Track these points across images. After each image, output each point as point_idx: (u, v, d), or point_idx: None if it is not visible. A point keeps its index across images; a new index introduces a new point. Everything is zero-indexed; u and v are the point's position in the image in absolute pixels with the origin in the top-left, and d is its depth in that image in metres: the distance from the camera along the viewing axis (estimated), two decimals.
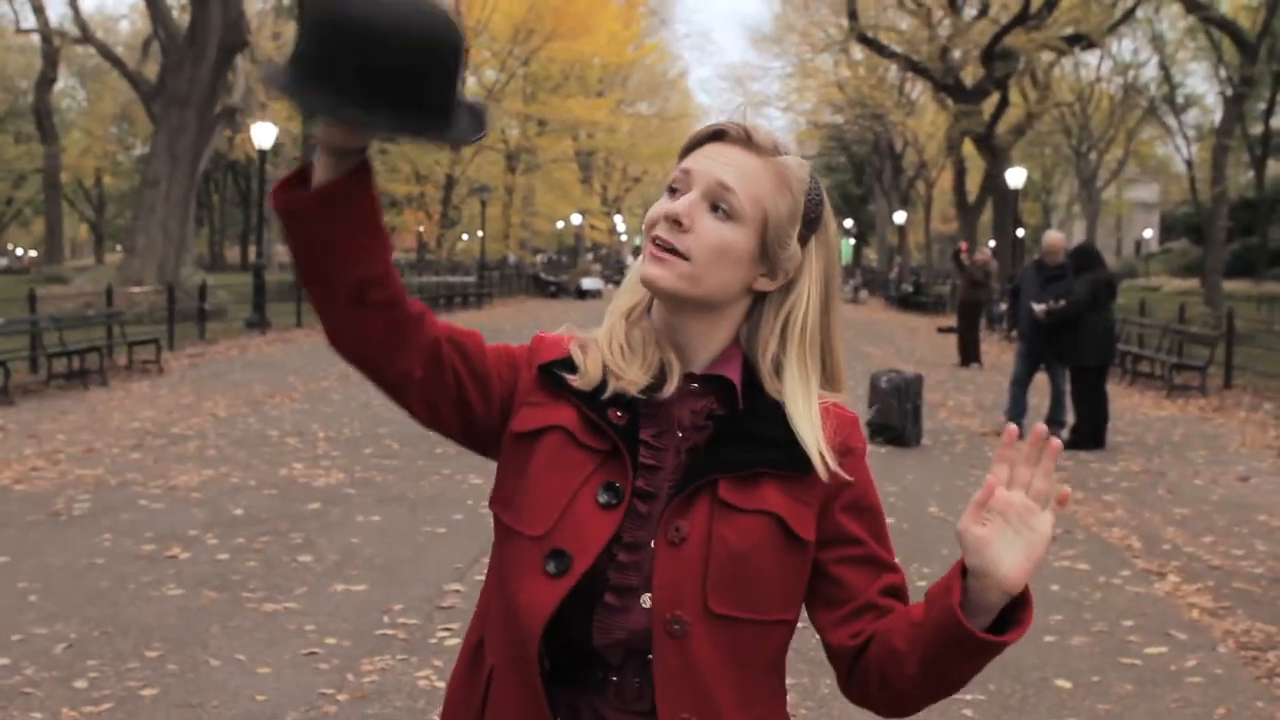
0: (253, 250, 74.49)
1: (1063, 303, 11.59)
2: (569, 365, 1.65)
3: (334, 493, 8.77)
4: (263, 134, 25.14)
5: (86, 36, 52.75)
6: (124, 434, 11.40)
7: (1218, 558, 7.49)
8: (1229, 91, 36.44)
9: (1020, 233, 58.18)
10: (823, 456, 1.60)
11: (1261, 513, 8.86)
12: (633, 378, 1.62)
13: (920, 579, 6.74)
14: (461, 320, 30.86)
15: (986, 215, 41.99)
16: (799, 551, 1.61)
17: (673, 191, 1.65)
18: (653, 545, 1.57)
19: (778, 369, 1.65)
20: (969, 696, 4.94)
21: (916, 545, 7.47)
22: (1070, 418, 12.05)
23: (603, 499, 1.58)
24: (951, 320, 25.66)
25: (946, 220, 69.61)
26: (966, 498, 6.54)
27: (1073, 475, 10.26)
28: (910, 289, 42.84)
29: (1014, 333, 12.76)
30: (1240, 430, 13.26)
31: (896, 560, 1.66)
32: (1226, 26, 27.83)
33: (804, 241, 1.66)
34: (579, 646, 1.57)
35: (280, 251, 55.86)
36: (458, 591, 6.23)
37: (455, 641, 5.41)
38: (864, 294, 52.39)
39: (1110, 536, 8.02)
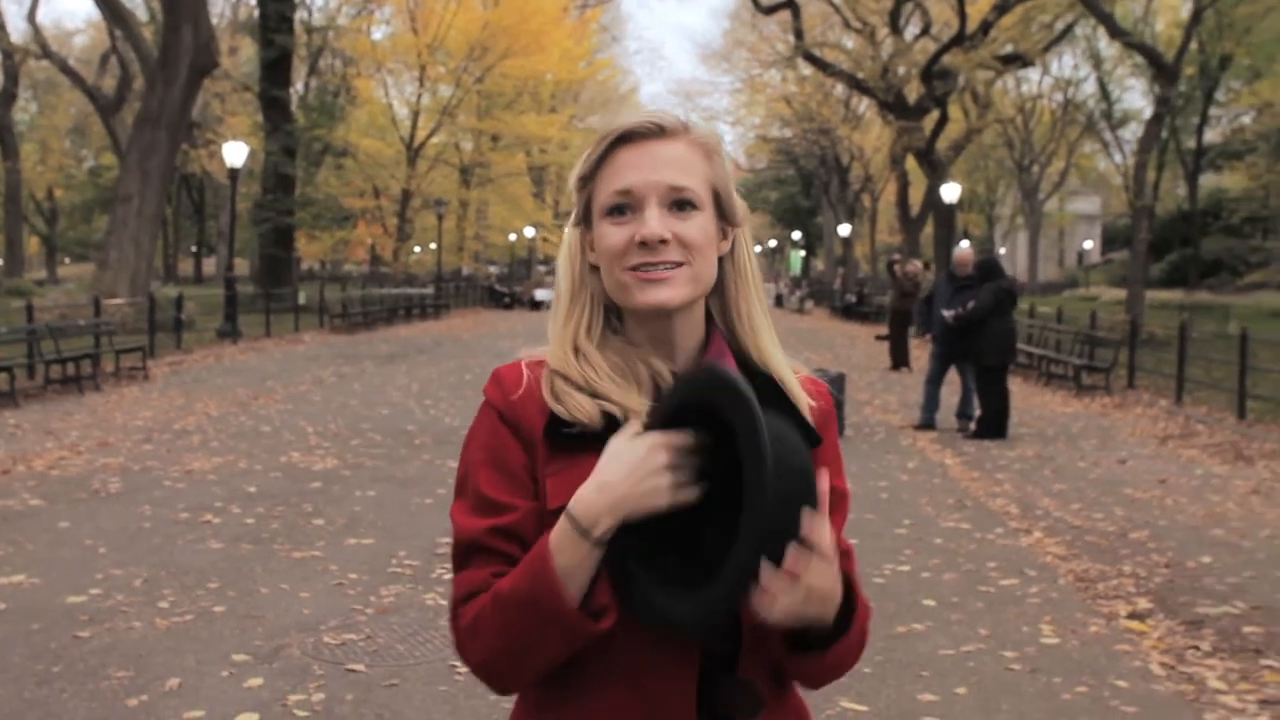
0: (207, 262, 75.43)
1: (970, 306, 13.10)
2: (555, 419, 1.61)
3: (332, 475, 10.12)
4: (234, 152, 26.34)
5: (47, 53, 53.57)
6: (131, 430, 12.66)
7: (1079, 519, 8.97)
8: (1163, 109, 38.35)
9: (965, 244, 60.13)
10: (810, 409, 1.69)
11: (1129, 487, 10.36)
12: (636, 405, 1.59)
13: None
14: (420, 330, 32.10)
15: (930, 227, 43.67)
16: None
17: (617, 212, 1.62)
18: None
19: (751, 325, 1.70)
20: None
21: None
22: (977, 411, 13.54)
23: None
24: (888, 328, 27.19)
25: (893, 232, 71.33)
26: (878, 476, 8.37)
27: (974, 459, 11.78)
28: (853, 299, 44.41)
29: (929, 336, 14.24)
30: (1133, 423, 14.80)
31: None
32: (1146, 51, 29.51)
33: None
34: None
35: (238, 264, 56.70)
36: (448, 543, 7.59)
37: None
38: (809, 304, 53.94)
39: (993, 505, 9.49)
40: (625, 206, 1.61)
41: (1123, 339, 18.58)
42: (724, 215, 1.66)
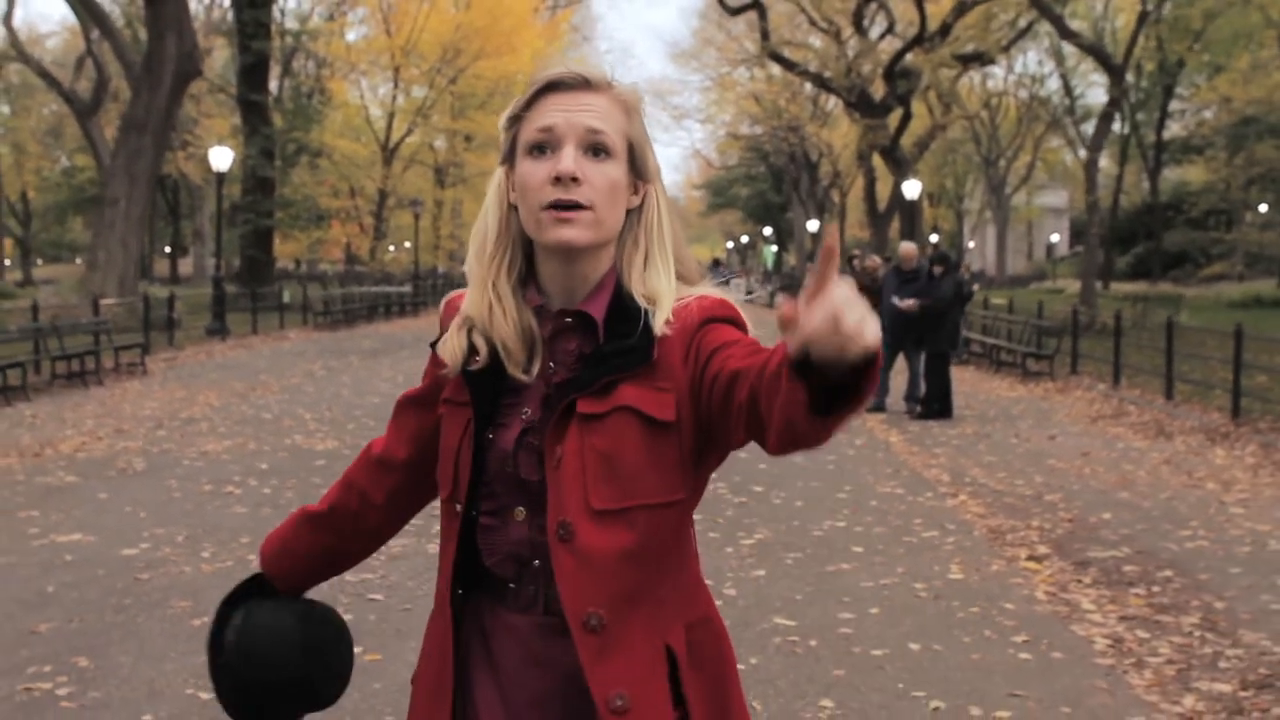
0: (182, 263, 76.00)
1: (935, 298, 14.21)
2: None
3: (334, 454, 11.19)
4: (219, 157, 27.32)
5: (24, 57, 54.21)
6: (141, 419, 13.69)
7: (1002, 485, 10.12)
8: (1123, 105, 39.54)
9: (934, 239, 61.36)
10: (668, 326, 1.73)
11: (1052, 459, 11.51)
12: (515, 352, 1.79)
13: (777, 499, 9.30)
14: (400, 326, 33.10)
15: (897, 222, 44.70)
16: (666, 433, 1.73)
17: (538, 151, 1.75)
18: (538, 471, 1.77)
19: (645, 266, 1.78)
20: (790, 555, 7.48)
21: (773, 473, 10.03)
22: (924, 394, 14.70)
23: (482, 443, 1.80)
24: None
25: (862, 227, 72.34)
26: (826, 451, 10.01)
27: (916, 436, 12.94)
28: None
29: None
30: (1070, 405, 15.98)
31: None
32: (1094, 51, 30.77)
33: None
34: (479, 568, 1.84)
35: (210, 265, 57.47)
36: None
37: None
38: (779, 298, 55.00)
39: (928, 474, 10.64)
40: (545, 146, 1.74)
41: (1066, 328, 19.78)
42: (636, 170, 1.79)
